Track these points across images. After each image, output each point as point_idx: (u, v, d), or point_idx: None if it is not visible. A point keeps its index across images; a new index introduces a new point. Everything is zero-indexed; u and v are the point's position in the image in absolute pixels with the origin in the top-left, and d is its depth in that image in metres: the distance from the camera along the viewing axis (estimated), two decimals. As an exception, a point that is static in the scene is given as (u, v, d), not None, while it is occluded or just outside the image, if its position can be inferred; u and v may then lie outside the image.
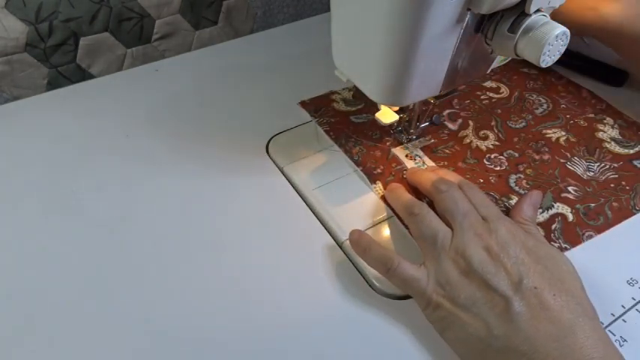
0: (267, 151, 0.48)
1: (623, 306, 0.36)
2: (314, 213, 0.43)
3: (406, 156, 0.47)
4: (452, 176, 0.41)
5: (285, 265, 0.39)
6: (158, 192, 0.44)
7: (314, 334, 0.35)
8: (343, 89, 0.55)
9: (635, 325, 0.35)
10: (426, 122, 0.46)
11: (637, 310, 0.35)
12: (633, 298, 0.36)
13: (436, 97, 0.42)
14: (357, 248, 0.37)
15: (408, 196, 0.40)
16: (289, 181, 0.45)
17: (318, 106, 0.53)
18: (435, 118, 0.48)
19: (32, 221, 0.42)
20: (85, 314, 0.36)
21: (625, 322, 0.35)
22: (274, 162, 0.47)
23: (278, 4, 0.70)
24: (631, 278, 0.37)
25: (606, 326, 0.35)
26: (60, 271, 0.38)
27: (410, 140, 0.48)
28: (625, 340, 0.34)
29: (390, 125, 0.48)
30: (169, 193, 0.44)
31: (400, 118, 0.46)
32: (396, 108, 0.45)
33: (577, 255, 0.39)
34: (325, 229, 0.41)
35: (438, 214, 0.37)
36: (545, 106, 0.53)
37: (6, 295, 0.37)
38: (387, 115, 0.45)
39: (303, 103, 0.53)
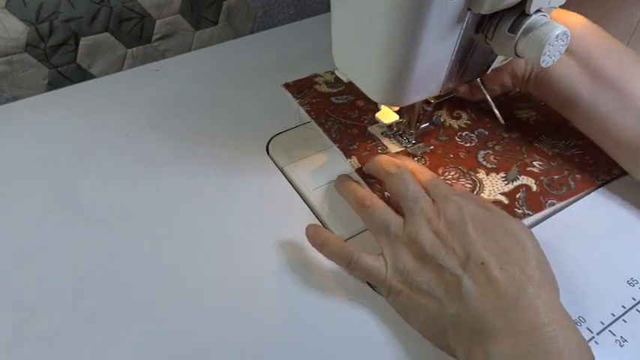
0: (267, 151, 0.48)
1: (623, 306, 0.36)
2: (314, 213, 0.43)
3: (382, 133, 0.48)
4: (407, 161, 0.42)
5: (284, 265, 0.39)
6: (158, 192, 0.44)
7: (314, 334, 0.35)
8: (326, 72, 0.56)
9: (635, 325, 0.34)
10: (425, 123, 0.46)
11: (637, 310, 0.35)
12: (633, 298, 0.36)
13: (436, 97, 0.42)
14: (314, 242, 0.38)
15: (358, 189, 0.40)
16: (289, 181, 0.45)
17: (301, 88, 0.54)
18: (436, 119, 0.48)
19: (32, 221, 0.42)
20: (85, 314, 0.36)
21: (625, 322, 0.35)
22: (274, 162, 0.47)
23: (278, 4, 0.70)
24: (631, 278, 0.37)
25: (606, 326, 0.34)
26: (60, 270, 0.38)
27: (409, 144, 0.48)
28: (625, 340, 0.34)
29: (389, 126, 0.48)
30: (169, 193, 0.44)
31: (399, 121, 0.46)
32: (396, 108, 0.45)
33: (577, 253, 0.39)
34: (325, 229, 0.41)
35: (391, 199, 0.39)
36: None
37: (6, 295, 0.37)
38: (387, 115, 0.45)
39: (286, 85, 0.54)
